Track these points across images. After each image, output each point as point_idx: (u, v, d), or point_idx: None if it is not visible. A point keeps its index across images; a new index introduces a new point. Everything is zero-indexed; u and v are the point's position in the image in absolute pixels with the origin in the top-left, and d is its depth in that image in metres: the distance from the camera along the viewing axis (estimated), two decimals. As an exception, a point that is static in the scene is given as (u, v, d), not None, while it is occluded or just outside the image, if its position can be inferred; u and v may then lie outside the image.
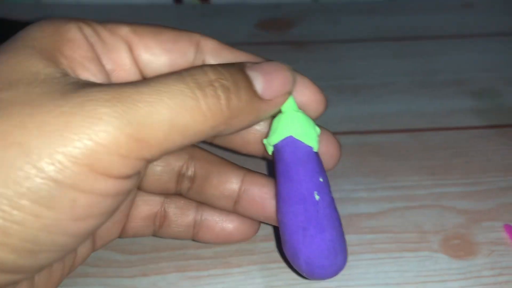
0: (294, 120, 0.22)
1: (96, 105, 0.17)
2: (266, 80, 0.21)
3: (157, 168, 0.25)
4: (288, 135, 0.22)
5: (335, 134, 0.35)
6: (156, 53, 0.22)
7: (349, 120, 0.37)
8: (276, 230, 0.28)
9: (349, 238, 0.28)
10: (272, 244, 0.28)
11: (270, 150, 0.23)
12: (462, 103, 0.39)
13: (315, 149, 0.23)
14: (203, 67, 0.19)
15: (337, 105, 0.39)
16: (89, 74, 0.20)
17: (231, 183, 0.25)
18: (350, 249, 0.27)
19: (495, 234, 0.29)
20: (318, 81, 0.41)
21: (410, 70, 0.42)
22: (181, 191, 0.26)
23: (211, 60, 0.23)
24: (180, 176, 0.26)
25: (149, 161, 0.19)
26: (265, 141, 0.23)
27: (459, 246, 0.28)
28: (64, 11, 0.50)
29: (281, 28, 0.49)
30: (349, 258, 0.27)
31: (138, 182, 0.20)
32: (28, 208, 0.17)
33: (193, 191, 0.26)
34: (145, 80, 0.18)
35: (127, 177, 0.18)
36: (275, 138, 0.22)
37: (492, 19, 0.50)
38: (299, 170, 0.22)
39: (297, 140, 0.22)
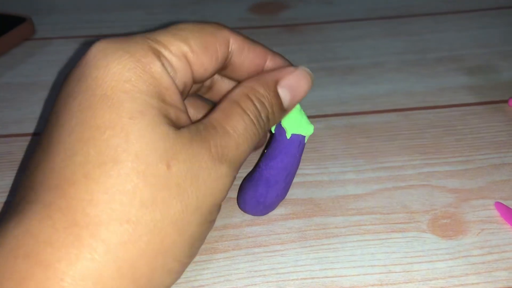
0: (296, 117, 0.26)
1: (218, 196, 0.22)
2: (293, 96, 0.25)
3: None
4: (290, 130, 0.26)
5: (324, 116, 0.35)
6: (208, 68, 0.24)
7: (339, 103, 0.36)
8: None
9: (335, 220, 0.28)
10: (257, 229, 0.28)
11: (273, 129, 0.27)
12: (455, 81, 0.38)
13: (288, 136, 0.26)
14: (261, 98, 0.24)
15: (328, 87, 0.38)
16: (180, 112, 0.22)
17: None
18: (336, 231, 0.27)
19: (486, 212, 0.28)
20: (309, 63, 0.41)
21: (402, 49, 0.42)
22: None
23: (235, 58, 0.25)
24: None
25: None
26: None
27: (448, 226, 0.27)
28: None
29: (273, 11, 0.49)
30: (335, 240, 0.27)
31: None
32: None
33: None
34: (232, 128, 0.22)
35: None
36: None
37: (489, -7, 0.49)
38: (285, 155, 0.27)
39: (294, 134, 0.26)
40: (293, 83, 0.25)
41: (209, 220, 0.22)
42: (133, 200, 0.19)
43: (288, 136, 0.26)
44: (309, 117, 0.35)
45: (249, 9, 0.49)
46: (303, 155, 0.32)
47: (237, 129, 0.23)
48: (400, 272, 0.25)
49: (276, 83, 0.25)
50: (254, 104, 0.23)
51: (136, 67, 0.21)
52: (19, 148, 0.33)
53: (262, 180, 0.27)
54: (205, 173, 0.21)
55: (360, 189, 0.30)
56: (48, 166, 0.20)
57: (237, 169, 0.23)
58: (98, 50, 0.21)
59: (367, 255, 0.26)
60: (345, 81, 0.38)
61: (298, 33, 0.45)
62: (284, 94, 0.24)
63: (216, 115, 0.23)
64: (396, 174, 0.31)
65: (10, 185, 0.31)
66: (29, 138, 0.34)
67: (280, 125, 0.26)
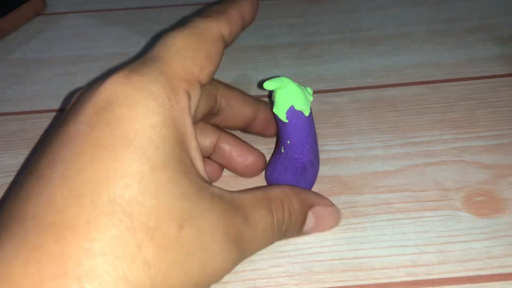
0: (294, 93, 0.24)
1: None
2: (316, 226, 0.24)
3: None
4: (291, 106, 0.24)
5: (348, 90, 0.34)
6: (212, 72, 0.22)
7: (363, 75, 0.35)
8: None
9: (363, 198, 0.27)
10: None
11: (283, 117, 0.25)
12: (486, 51, 0.36)
13: (307, 114, 0.25)
14: (292, 212, 0.23)
15: (351, 59, 0.36)
16: (195, 152, 0.21)
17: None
18: (364, 209, 0.26)
19: (524, 189, 0.27)
20: (331, 34, 0.39)
21: (430, 18, 0.40)
22: None
23: (224, 105, 0.26)
24: None
25: None
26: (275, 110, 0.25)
27: (484, 204, 0.26)
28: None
29: (292, -18, 0.47)
30: (363, 219, 0.26)
31: None
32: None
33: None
34: (254, 219, 0.21)
35: None
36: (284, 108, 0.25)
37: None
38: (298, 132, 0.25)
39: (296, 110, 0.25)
40: (323, 216, 0.25)
41: None
42: (135, 258, 0.17)
43: (307, 113, 0.24)
44: (332, 90, 0.34)
45: (267, -21, 0.47)
46: (326, 130, 0.31)
47: (258, 224, 0.22)
48: (433, 252, 0.24)
49: (310, 207, 0.24)
50: (284, 214, 0.23)
51: (161, 112, 0.19)
52: (32, 125, 0.32)
53: (306, 164, 0.26)
54: (216, 249, 0.19)
55: (388, 165, 0.28)
56: (45, 199, 0.18)
57: (241, 261, 0.21)
58: (116, 86, 0.19)
59: (398, 235, 0.25)
60: (370, 53, 0.37)
61: (318, 3, 0.43)
62: (310, 220, 0.24)
63: (246, 199, 0.22)
64: (426, 149, 0.29)
65: (23, 164, 0.30)
66: (42, 115, 0.33)
67: (294, 108, 0.24)
